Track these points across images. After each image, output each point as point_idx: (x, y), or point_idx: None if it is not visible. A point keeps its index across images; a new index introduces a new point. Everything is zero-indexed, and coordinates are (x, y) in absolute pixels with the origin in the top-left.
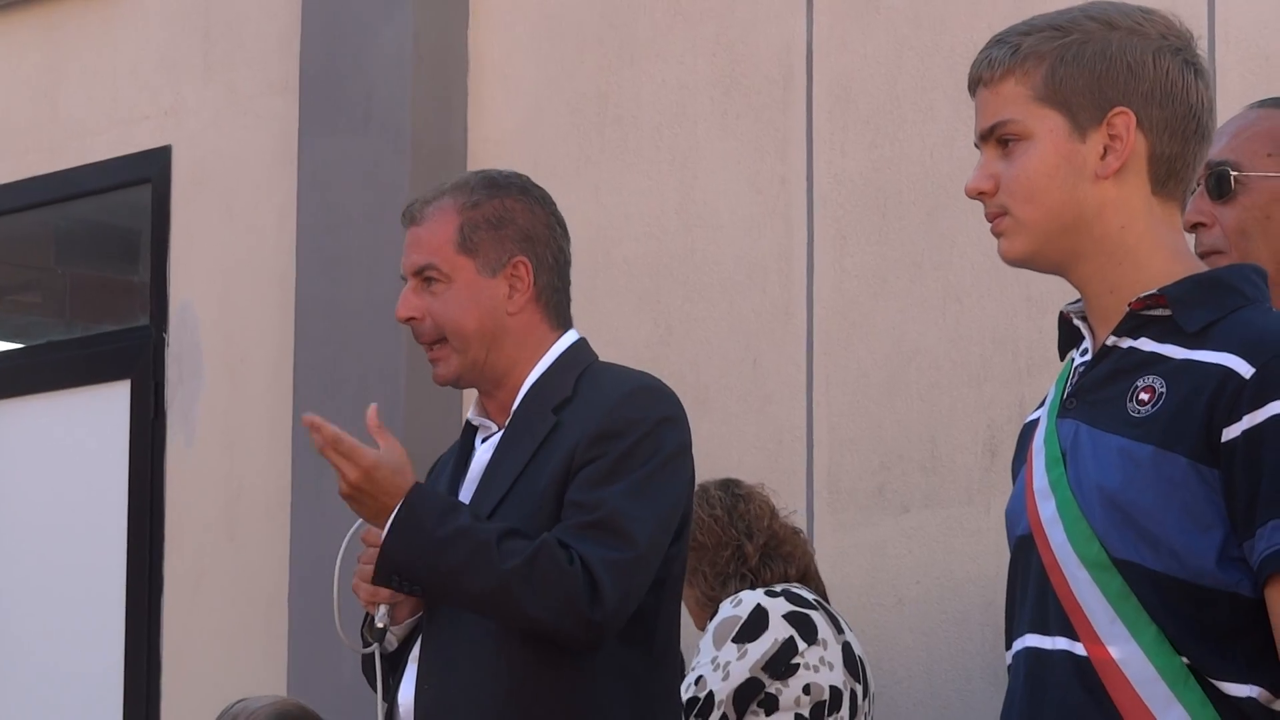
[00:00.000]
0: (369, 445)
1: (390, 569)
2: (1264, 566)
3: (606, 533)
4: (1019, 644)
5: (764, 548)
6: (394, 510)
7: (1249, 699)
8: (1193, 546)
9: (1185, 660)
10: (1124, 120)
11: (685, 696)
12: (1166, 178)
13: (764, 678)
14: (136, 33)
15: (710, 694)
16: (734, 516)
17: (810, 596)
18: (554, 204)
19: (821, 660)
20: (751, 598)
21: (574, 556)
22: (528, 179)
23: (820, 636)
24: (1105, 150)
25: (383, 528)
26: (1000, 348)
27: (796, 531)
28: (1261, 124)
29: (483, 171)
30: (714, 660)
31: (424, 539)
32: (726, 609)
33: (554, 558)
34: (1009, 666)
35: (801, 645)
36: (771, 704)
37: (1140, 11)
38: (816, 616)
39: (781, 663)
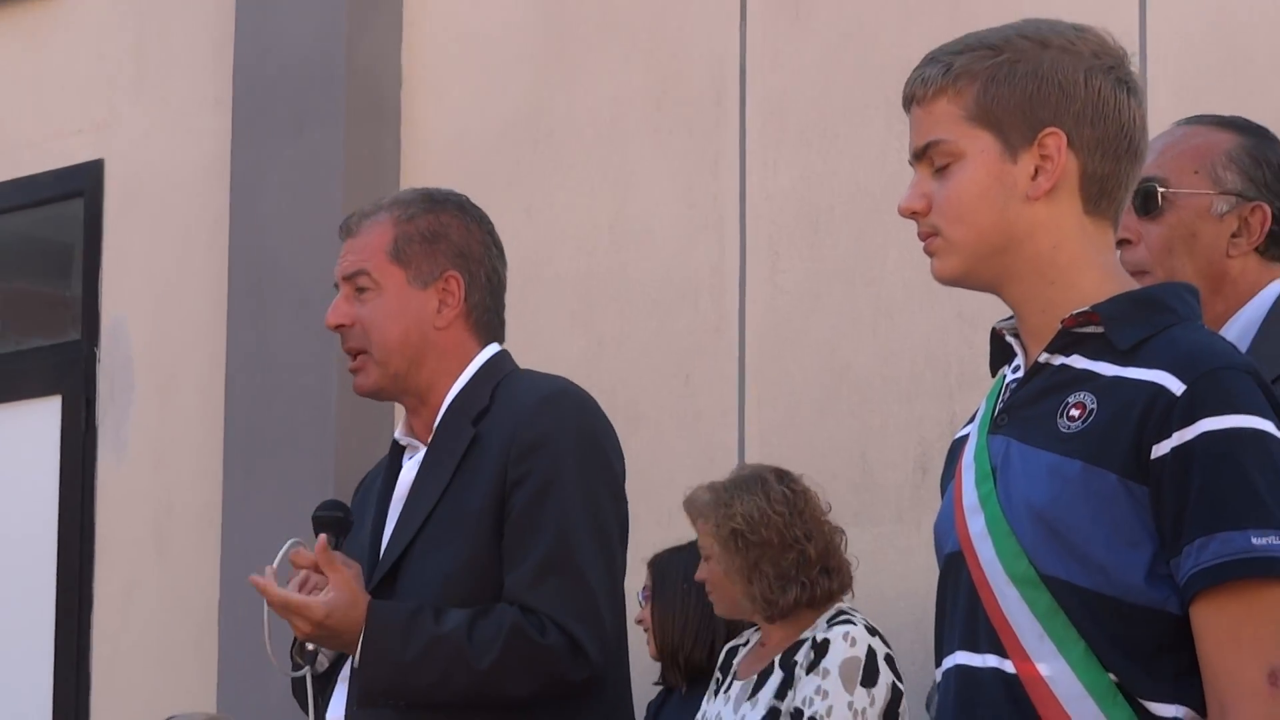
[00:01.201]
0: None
1: (371, 696)
2: (1189, 585)
3: (565, 578)
4: (949, 661)
5: (822, 554)
6: (358, 644)
7: (1175, 719)
8: (1121, 563)
9: (1113, 677)
10: (1055, 141)
11: None
12: (1099, 197)
13: None
14: (68, 46)
15: None
16: (794, 513)
17: (881, 634)
18: (491, 225)
19: (905, 709)
20: (861, 636)
21: (544, 623)
22: (466, 198)
23: (903, 683)
24: (1036, 171)
25: (354, 656)
26: (931, 364)
27: (840, 532)
28: (1189, 141)
29: (423, 189)
30: (850, 705)
31: (395, 664)
32: (842, 647)
33: (526, 637)
34: (938, 684)
35: (902, 691)
36: None
37: (1074, 30)
38: (893, 657)
39: (892, 713)
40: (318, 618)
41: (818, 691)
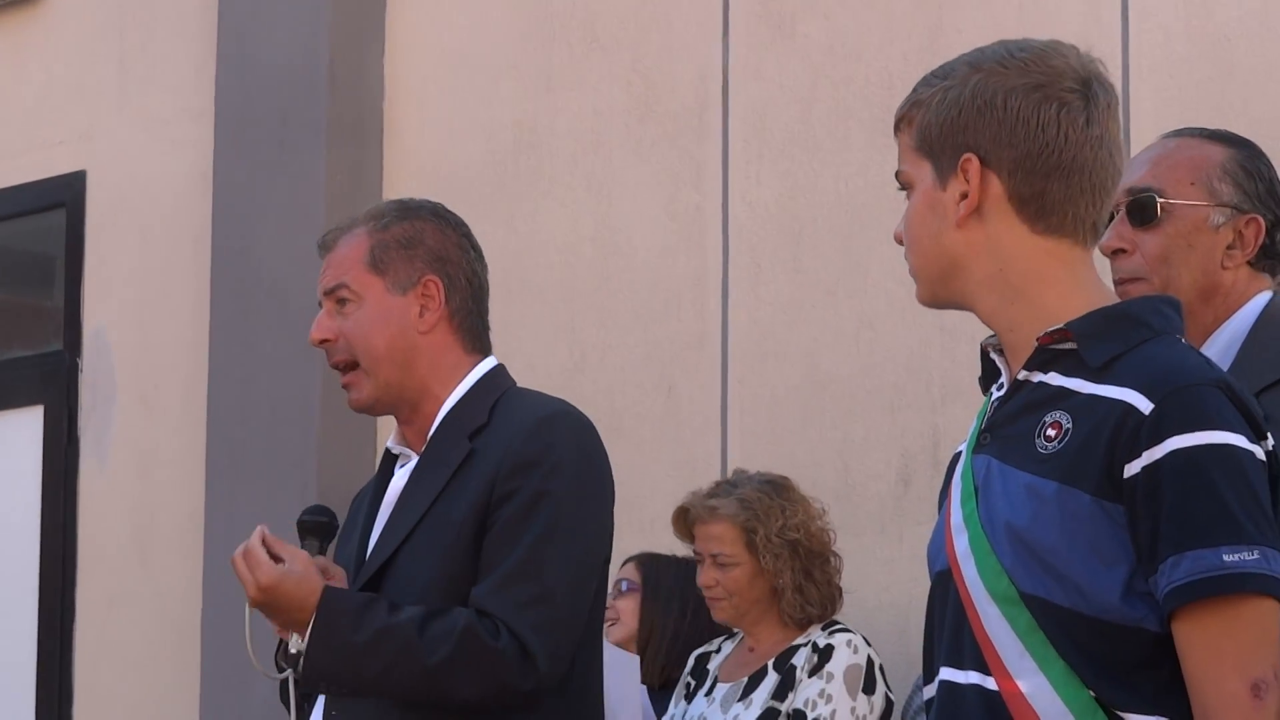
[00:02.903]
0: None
1: (316, 678)
2: (1166, 602)
3: (528, 588)
4: (936, 678)
5: (837, 566)
6: (309, 623)
7: None
8: (1097, 582)
9: (1093, 694)
10: (970, 165)
11: None
12: (1042, 215)
13: None
14: (51, 58)
15: None
16: (825, 524)
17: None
18: (468, 229)
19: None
20: (861, 645)
21: (499, 628)
22: (441, 205)
23: (893, 694)
24: (962, 196)
25: (303, 638)
26: (914, 376)
27: None
28: (1182, 153)
29: (398, 199)
30: (853, 711)
31: (345, 648)
32: (846, 653)
33: (479, 639)
34: (927, 700)
35: (893, 702)
36: None
37: (1015, 50)
38: (884, 668)
39: None
40: (265, 581)
41: (821, 695)
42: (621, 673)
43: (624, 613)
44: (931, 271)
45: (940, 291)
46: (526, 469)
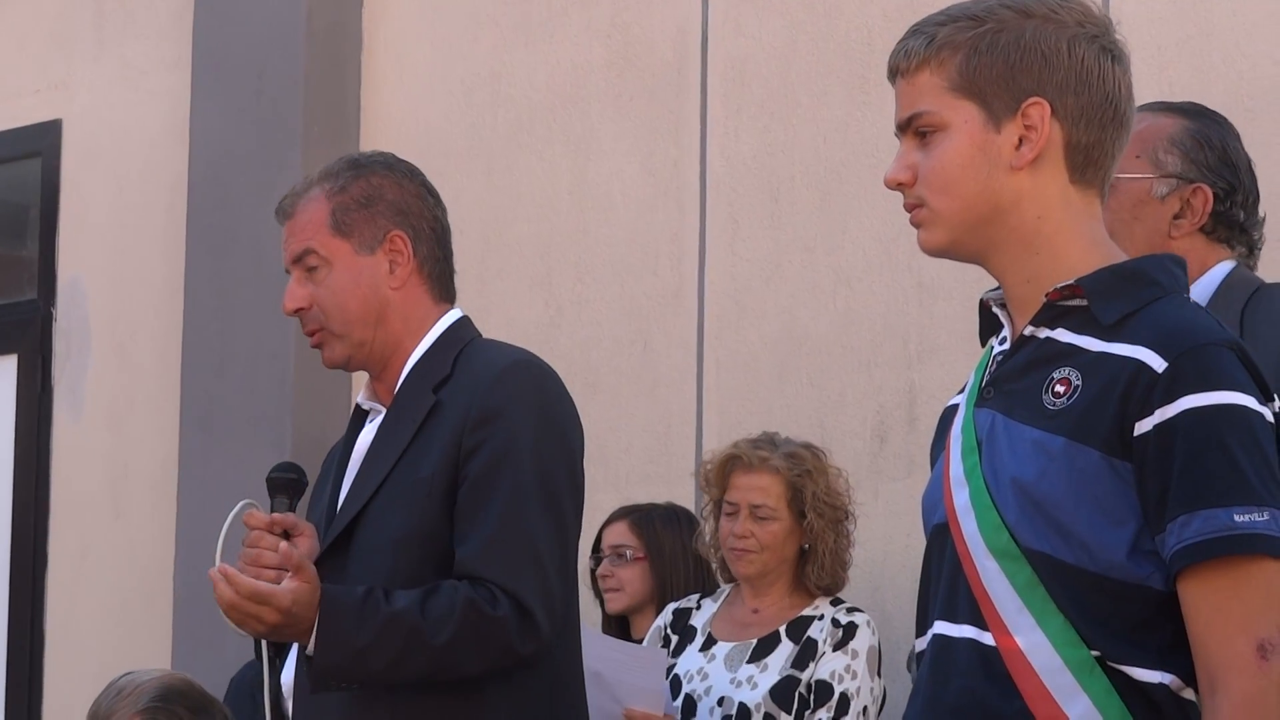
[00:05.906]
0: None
1: (327, 680)
2: (1174, 562)
3: (516, 549)
4: (930, 631)
5: None
6: (313, 629)
7: (1160, 685)
8: (1104, 540)
9: (1095, 652)
10: (1038, 110)
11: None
12: (1085, 166)
13: None
14: (27, 6)
15: None
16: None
17: None
18: (423, 175)
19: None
20: (875, 629)
21: (495, 595)
22: (393, 155)
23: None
24: (1020, 140)
25: (306, 645)
26: (890, 333)
27: None
28: (1134, 127)
29: (347, 156)
30: (872, 691)
31: (351, 647)
32: (867, 633)
33: (478, 610)
34: (919, 654)
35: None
36: None
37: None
38: None
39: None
40: (285, 604)
41: (848, 670)
42: (650, 670)
43: (627, 581)
44: (966, 216)
45: (965, 237)
46: (489, 421)
